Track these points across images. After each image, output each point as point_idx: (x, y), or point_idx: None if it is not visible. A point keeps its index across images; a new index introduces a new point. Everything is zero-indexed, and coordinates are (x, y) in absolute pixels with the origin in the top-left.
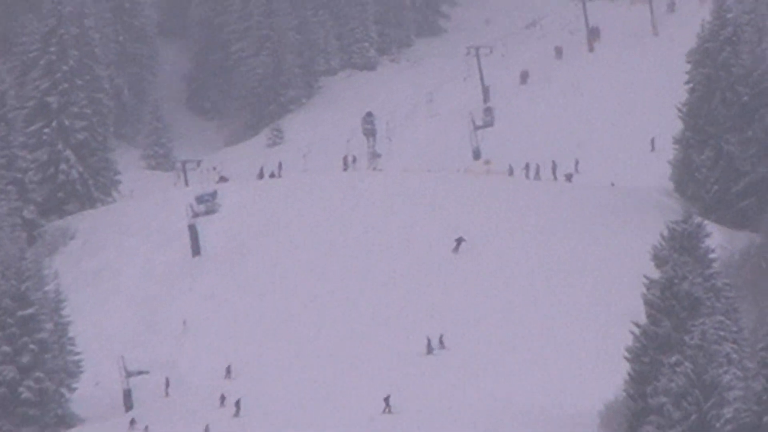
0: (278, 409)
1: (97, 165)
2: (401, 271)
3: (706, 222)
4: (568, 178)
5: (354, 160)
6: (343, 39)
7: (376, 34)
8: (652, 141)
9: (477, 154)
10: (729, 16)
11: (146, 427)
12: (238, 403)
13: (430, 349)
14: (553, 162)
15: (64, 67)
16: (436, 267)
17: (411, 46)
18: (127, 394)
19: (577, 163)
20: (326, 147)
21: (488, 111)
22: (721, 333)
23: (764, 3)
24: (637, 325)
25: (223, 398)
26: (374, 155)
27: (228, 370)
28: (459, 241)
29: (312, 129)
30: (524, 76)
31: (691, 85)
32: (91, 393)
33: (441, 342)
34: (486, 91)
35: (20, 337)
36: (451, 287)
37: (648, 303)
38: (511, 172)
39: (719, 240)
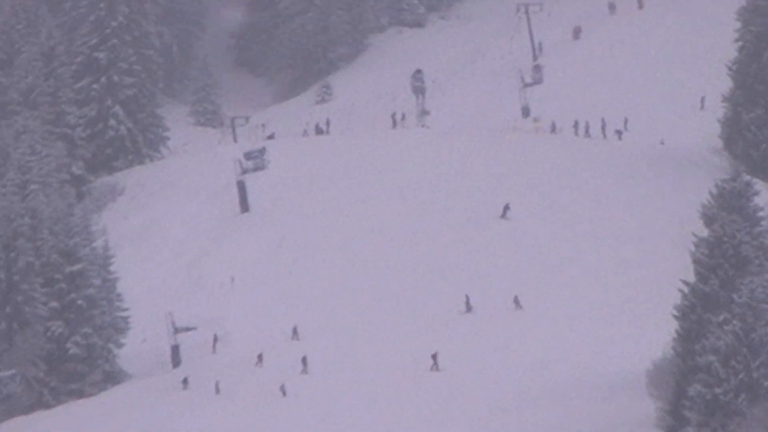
0: (333, 365)
1: (146, 121)
2: (448, 229)
3: (754, 180)
4: (618, 136)
5: (402, 117)
6: None
7: None
8: (702, 99)
9: (526, 112)
10: None
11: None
12: (304, 360)
13: (468, 308)
14: (603, 120)
15: (113, 23)
16: (484, 226)
17: (461, 2)
18: (175, 351)
19: (626, 121)
20: (374, 104)
21: (537, 68)
22: None
23: None
24: (686, 283)
25: (260, 357)
26: (423, 113)
27: (294, 331)
28: (506, 208)
29: (360, 86)
30: (577, 32)
31: (740, 43)
32: (138, 349)
33: (517, 302)
34: (535, 49)
35: (68, 293)
36: (498, 246)
37: (696, 261)
38: (553, 128)
39: None
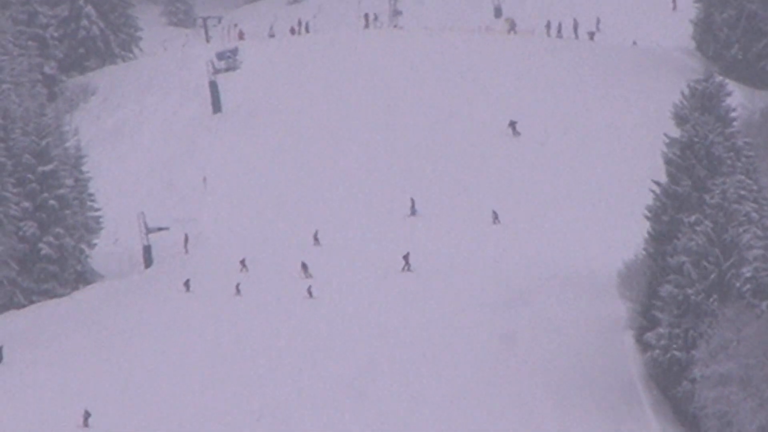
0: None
1: (118, 21)
2: (423, 131)
3: (727, 81)
4: (591, 36)
5: (375, 17)
6: None
7: None
8: None
9: (498, 13)
10: None
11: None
12: (304, 265)
13: (413, 211)
14: (575, 20)
15: None
16: (462, 125)
17: None
18: (147, 251)
19: (598, 21)
20: (346, 4)
21: None
22: (741, 192)
23: None
24: (658, 183)
25: (243, 262)
26: (395, 13)
27: (315, 237)
28: (513, 124)
29: None
30: None
31: None
32: (110, 249)
33: (495, 215)
34: None
35: (40, 193)
36: (472, 146)
37: (668, 162)
38: (513, 27)
39: (740, 99)
